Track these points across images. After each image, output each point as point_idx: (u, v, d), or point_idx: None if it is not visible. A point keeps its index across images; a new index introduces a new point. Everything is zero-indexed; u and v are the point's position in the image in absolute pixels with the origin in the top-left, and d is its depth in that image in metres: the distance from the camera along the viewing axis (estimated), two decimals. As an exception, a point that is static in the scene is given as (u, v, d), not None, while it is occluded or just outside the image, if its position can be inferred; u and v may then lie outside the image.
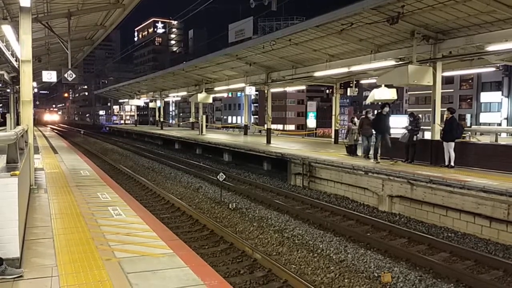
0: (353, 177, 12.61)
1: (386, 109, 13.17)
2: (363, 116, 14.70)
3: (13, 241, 4.20)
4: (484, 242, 8.69)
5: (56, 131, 50.01)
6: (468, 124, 48.63)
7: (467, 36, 11.94)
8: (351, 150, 15.28)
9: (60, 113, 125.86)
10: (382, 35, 13.62)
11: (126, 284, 4.00)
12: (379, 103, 15.66)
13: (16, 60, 16.93)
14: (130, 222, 6.24)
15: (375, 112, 14.09)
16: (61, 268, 4.33)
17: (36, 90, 33.76)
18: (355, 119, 15.87)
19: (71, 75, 14.36)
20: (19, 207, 4.29)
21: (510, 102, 48.77)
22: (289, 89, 31.95)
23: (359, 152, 15.05)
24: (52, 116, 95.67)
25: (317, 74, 17.95)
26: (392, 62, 14.10)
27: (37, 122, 73.51)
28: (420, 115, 17.27)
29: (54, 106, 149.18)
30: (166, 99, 45.62)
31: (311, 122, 67.64)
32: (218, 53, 22.64)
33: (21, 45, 8.70)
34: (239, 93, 67.72)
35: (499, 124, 47.52)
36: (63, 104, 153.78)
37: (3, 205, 4.11)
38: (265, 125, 23.08)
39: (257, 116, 74.02)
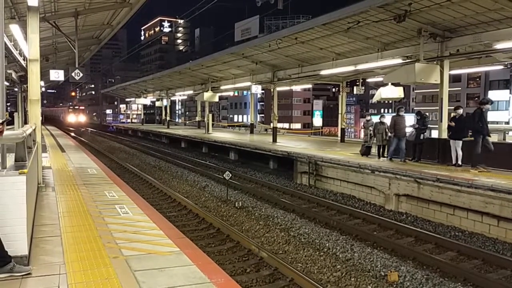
0: (360, 176, 12.57)
1: (488, 106, 11.13)
2: (395, 115, 13.34)
3: (21, 239, 4.23)
4: (491, 241, 8.64)
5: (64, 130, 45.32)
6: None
7: (475, 34, 11.86)
8: (368, 152, 14.26)
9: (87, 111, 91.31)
10: (389, 33, 13.56)
11: (133, 281, 4.02)
12: (391, 102, 15.14)
13: (23, 59, 17.06)
14: (137, 220, 6.27)
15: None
16: (69, 266, 4.35)
17: (43, 89, 33.95)
18: (383, 119, 14.03)
19: (78, 74, 14.46)
20: (27, 205, 4.32)
21: (518, 101, 48.42)
22: (295, 87, 31.91)
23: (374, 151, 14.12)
24: (78, 117, 68.17)
25: (323, 72, 17.91)
26: (399, 60, 14.03)
27: (60, 125, 57.03)
28: (427, 114, 17.16)
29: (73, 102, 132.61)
30: (172, 98, 45.73)
31: (317, 120, 67.59)
32: (224, 51, 22.66)
33: (29, 44, 8.75)
34: (245, 92, 67.73)
35: (507, 123, 47.15)
36: (70, 103, 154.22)
37: (11, 203, 4.14)
38: (271, 124, 23.07)
39: (263, 115, 74.03)
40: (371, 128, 14.35)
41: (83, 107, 77.31)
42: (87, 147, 26.22)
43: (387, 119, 14.07)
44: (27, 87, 9.37)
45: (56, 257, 4.60)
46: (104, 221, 6.17)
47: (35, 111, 8.82)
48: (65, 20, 14.02)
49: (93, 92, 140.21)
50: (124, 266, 4.40)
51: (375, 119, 14.98)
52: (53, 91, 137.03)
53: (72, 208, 6.91)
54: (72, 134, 40.69)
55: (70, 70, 14.70)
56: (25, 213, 4.26)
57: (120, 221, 6.22)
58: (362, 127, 15.53)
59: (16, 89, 25.74)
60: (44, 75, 19.73)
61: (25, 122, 20.33)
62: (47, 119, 68.00)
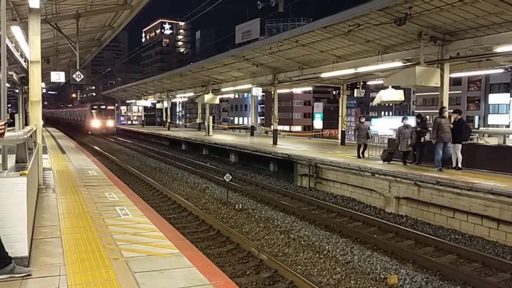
0: (360, 179, 12.57)
1: None
2: (438, 116, 11.76)
3: (21, 240, 4.24)
4: (491, 244, 8.64)
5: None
6: (476, 126, 48.34)
7: (475, 37, 11.89)
8: (390, 158, 13.28)
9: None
10: (389, 36, 13.58)
11: (133, 283, 4.03)
12: (391, 104, 14.65)
13: (25, 61, 17.06)
14: (137, 222, 6.27)
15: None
16: (69, 267, 4.36)
17: (44, 90, 33.91)
18: (406, 121, 12.97)
19: (79, 76, 14.48)
20: (27, 206, 4.33)
21: (518, 104, 48.44)
22: (296, 90, 31.98)
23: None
24: (105, 121, 47.17)
25: (324, 75, 17.94)
26: (399, 63, 14.06)
27: (76, 132, 46.51)
28: (427, 117, 17.17)
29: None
30: (173, 100, 45.74)
31: (318, 123, 67.64)
32: (225, 54, 22.70)
33: (30, 46, 8.77)
34: (245, 94, 67.77)
35: (508, 126, 47.16)
36: (71, 105, 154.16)
37: (12, 205, 4.15)
38: (272, 126, 23.08)
39: (263, 117, 74.07)
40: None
41: (111, 107, 50.91)
42: (87, 148, 26.23)
43: (411, 121, 13.30)
44: (28, 88, 9.39)
45: (56, 259, 4.61)
46: (104, 222, 6.18)
47: (36, 113, 8.84)
48: (67, 22, 14.04)
49: (94, 94, 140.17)
50: (124, 267, 4.41)
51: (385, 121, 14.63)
52: (54, 92, 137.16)
53: (73, 210, 6.92)
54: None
55: (71, 71, 14.72)
56: (26, 214, 4.27)
57: (120, 222, 6.22)
58: (355, 129, 15.45)
59: (17, 91, 25.72)
60: (45, 76, 19.73)
61: (26, 123, 20.34)
62: (58, 124, 63.78)
